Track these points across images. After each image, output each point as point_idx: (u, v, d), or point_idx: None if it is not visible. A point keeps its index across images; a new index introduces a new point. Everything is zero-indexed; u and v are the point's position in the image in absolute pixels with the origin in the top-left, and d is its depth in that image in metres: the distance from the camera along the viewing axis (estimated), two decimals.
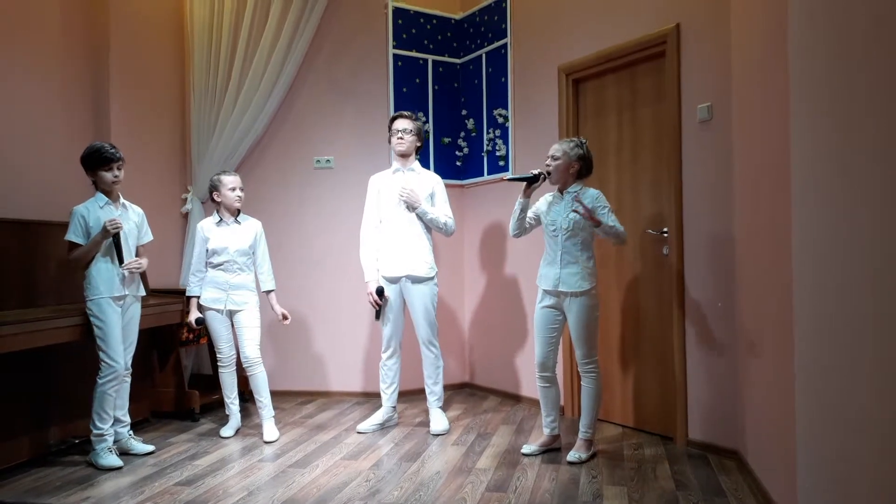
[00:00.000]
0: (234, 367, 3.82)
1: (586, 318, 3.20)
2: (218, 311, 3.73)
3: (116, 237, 3.23)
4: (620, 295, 3.88)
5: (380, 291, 3.79)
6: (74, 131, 3.98)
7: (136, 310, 3.40)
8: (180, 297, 4.07)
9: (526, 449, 3.37)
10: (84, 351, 3.35)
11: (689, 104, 3.43)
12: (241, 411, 3.91)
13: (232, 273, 3.73)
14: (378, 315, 3.84)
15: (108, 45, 4.21)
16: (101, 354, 3.20)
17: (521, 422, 4.01)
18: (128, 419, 3.46)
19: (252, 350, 3.72)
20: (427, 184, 3.90)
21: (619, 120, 3.89)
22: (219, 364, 3.79)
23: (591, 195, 3.20)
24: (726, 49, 3.23)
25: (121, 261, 3.26)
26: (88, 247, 3.19)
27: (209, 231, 3.75)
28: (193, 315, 3.74)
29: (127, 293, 3.31)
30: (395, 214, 3.85)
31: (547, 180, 3.27)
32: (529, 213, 3.35)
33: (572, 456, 3.21)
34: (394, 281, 3.84)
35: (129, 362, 3.37)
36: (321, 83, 4.82)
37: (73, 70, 4.05)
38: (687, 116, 3.44)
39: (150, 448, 3.45)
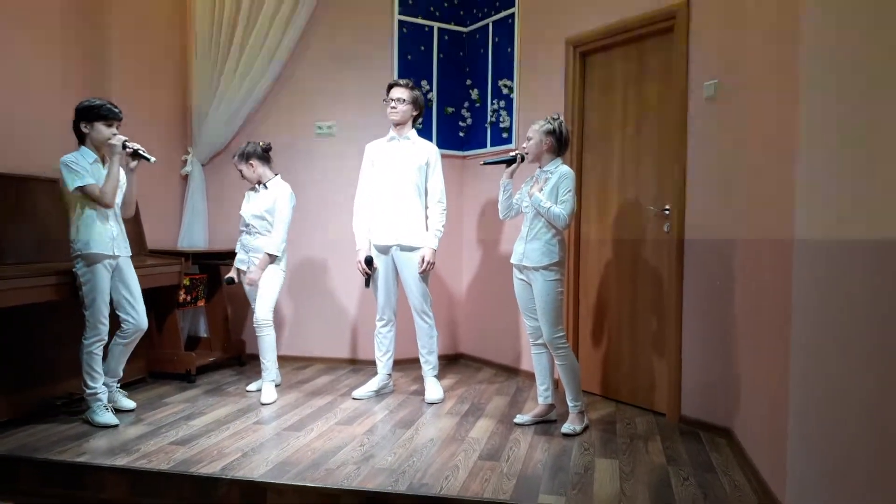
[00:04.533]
0: (271, 329, 3.85)
1: (546, 293, 3.22)
2: (244, 272, 3.92)
3: (126, 147, 3.22)
4: (619, 270, 3.87)
5: (368, 260, 3.79)
6: (72, 94, 3.90)
7: (129, 268, 3.38)
8: (178, 258, 4.09)
9: (519, 419, 3.40)
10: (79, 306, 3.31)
11: (697, 81, 3.38)
12: (236, 374, 3.92)
13: (252, 236, 3.92)
14: (367, 283, 3.85)
15: (109, 5, 4.12)
16: (88, 315, 3.18)
17: (514, 393, 4.04)
18: (120, 374, 3.46)
19: (262, 311, 3.80)
20: (421, 154, 3.86)
21: (625, 95, 3.85)
22: (255, 324, 3.84)
23: (561, 172, 3.22)
24: (736, 25, 3.17)
25: (147, 158, 3.29)
26: (111, 177, 3.17)
27: (246, 198, 4.00)
28: (229, 274, 4.00)
29: (119, 254, 3.28)
30: (387, 183, 3.83)
31: (526, 160, 3.34)
32: (518, 195, 3.41)
33: (567, 428, 3.24)
34: (384, 250, 3.83)
35: (146, 321, 3.41)
36: (324, 48, 4.74)
37: (72, 31, 3.96)
38: (694, 93, 3.40)
39: (133, 405, 3.47)
